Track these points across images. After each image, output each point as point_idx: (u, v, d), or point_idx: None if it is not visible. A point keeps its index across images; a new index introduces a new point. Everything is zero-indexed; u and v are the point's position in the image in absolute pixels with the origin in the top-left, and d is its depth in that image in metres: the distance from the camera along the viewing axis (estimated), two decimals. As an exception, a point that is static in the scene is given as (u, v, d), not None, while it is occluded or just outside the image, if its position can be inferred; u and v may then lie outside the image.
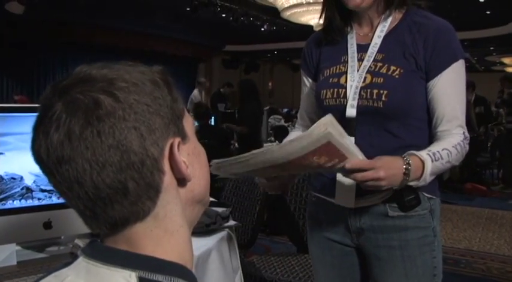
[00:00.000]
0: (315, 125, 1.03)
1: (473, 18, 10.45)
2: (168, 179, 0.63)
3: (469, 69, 18.54)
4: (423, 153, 1.26)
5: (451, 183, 7.14)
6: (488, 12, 9.91)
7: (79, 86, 0.59)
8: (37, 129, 0.60)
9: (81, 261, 0.63)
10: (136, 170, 0.59)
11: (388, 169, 1.19)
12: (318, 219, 1.53)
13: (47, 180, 0.62)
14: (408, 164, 1.22)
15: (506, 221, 5.46)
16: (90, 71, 0.61)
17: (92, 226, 0.64)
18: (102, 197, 0.59)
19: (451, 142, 1.32)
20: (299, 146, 1.04)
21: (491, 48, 14.20)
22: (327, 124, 1.02)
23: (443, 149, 1.30)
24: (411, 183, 1.25)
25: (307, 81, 1.60)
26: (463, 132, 1.36)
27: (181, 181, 0.65)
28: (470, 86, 7.30)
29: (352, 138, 1.22)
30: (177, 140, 0.63)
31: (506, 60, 16.60)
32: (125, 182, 0.59)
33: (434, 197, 1.42)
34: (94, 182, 0.58)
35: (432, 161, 1.26)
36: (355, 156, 1.14)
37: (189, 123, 0.68)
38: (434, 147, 1.31)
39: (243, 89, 5.68)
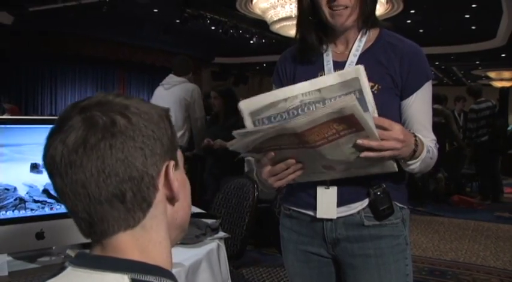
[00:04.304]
0: (340, 99, 1.14)
1: (459, 33, 10.63)
2: (160, 196, 0.72)
3: (456, 82, 18.77)
4: (421, 137, 1.36)
5: (438, 195, 7.21)
6: (473, 28, 10.07)
7: (98, 107, 0.68)
8: (53, 136, 0.68)
9: (70, 271, 0.68)
10: (135, 183, 0.68)
11: (406, 135, 1.27)
12: (293, 233, 1.56)
13: (51, 182, 0.70)
14: (416, 139, 1.32)
15: (492, 233, 5.51)
16: (107, 97, 0.71)
17: (84, 231, 0.71)
18: (101, 201, 0.67)
19: (430, 143, 1.42)
20: (325, 113, 1.12)
21: (477, 62, 14.40)
22: (353, 99, 1.11)
23: (428, 145, 1.39)
24: (410, 162, 1.34)
25: None
26: (435, 143, 1.45)
27: (171, 200, 0.75)
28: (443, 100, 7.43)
29: (370, 113, 1.23)
30: (172, 162, 0.73)
31: (491, 74, 16.82)
32: (124, 192, 0.67)
33: (405, 207, 1.49)
34: (98, 187, 0.66)
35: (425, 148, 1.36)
36: (371, 129, 1.18)
37: (179, 157, 0.78)
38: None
39: (227, 98, 4.49)
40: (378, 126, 1.21)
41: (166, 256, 0.74)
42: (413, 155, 1.32)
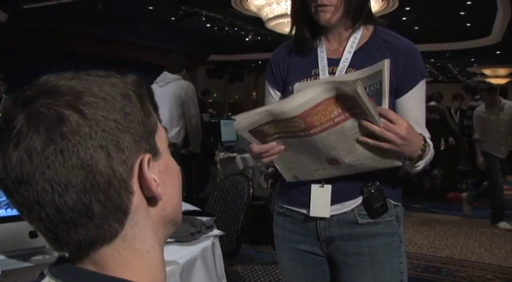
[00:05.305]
0: (347, 81, 1.16)
1: (454, 30, 10.65)
2: (137, 199, 0.59)
3: (452, 79, 18.81)
4: (428, 140, 1.37)
5: (434, 192, 7.22)
6: (468, 25, 10.09)
7: (44, 98, 0.55)
8: None
9: None
10: (102, 191, 0.55)
11: (410, 134, 1.27)
12: (287, 231, 1.56)
13: (6, 198, 0.58)
14: (426, 143, 1.33)
15: (486, 230, 5.53)
16: (56, 82, 0.57)
17: (55, 248, 0.60)
18: (65, 220, 0.55)
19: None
20: (330, 86, 1.16)
21: (472, 59, 14.43)
22: (358, 83, 1.14)
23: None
24: (417, 164, 1.35)
25: (273, 93, 1.59)
26: (429, 140, 1.45)
27: (152, 200, 0.61)
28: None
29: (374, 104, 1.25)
30: (147, 156, 0.59)
31: (486, 71, 16.87)
32: (89, 204, 0.55)
33: (399, 204, 1.49)
34: (56, 204, 0.54)
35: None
36: (374, 116, 1.21)
37: (162, 138, 0.64)
38: None
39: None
40: (384, 117, 1.23)
41: (157, 265, 0.63)
42: (420, 158, 1.33)
